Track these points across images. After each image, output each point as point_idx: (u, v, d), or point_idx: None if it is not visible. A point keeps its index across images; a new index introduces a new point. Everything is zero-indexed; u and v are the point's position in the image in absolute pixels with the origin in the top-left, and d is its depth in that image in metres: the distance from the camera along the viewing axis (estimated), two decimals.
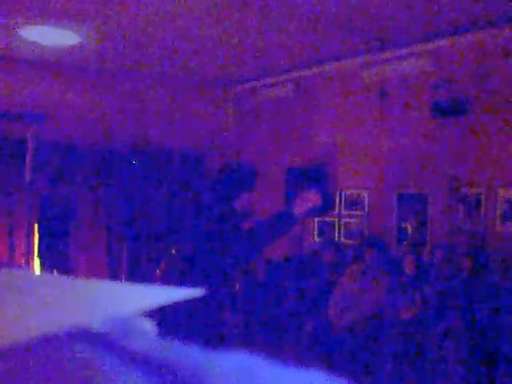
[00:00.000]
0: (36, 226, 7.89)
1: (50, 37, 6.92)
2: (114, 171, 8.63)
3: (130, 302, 0.42)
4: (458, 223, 6.64)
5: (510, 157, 6.34)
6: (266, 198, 8.85)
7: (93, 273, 8.31)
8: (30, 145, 7.24)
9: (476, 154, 6.62)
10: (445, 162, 6.83)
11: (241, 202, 3.46)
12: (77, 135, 8.34)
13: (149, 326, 0.43)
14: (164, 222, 8.97)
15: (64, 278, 0.47)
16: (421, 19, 6.31)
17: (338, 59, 7.88)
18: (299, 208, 3.42)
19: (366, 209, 7.73)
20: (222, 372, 0.38)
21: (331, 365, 5.98)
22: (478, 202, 6.56)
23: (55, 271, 7.82)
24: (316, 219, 8.22)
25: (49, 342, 0.35)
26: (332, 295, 6.52)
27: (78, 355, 0.36)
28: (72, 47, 7.35)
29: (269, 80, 8.92)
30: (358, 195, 7.83)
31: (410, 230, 7.24)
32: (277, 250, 7.90)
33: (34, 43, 7.14)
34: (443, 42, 6.93)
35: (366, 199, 7.74)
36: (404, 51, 7.27)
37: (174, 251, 7.67)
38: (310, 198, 3.48)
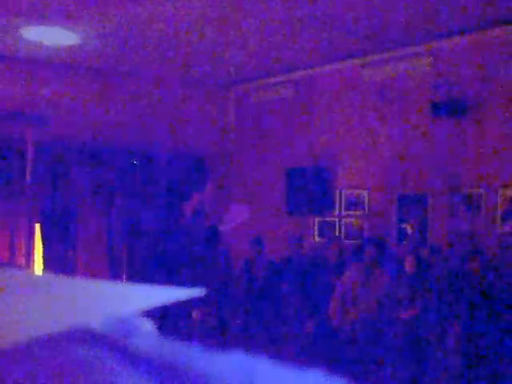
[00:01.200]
0: (37, 226, 7.90)
1: (50, 37, 6.92)
2: (114, 171, 8.63)
3: (130, 302, 0.42)
4: (458, 223, 6.64)
5: (510, 157, 6.34)
6: (266, 198, 8.85)
7: (93, 273, 8.31)
8: (31, 145, 7.25)
9: (476, 154, 6.62)
10: (445, 162, 6.83)
11: (191, 203, 3.33)
12: (77, 135, 8.34)
13: (149, 326, 0.43)
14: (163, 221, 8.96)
15: (64, 278, 0.47)
16: (421, 19, 6.31)
17: (338, 59, 7.88)
18: (226, 224, 3.41)
19: (367, 209, 7.73)
20: (223, 372, 0.38)
21: (331, 365, 5.97)
22: (478, 202, 6.56)
23: (55, 271, 7.82)
24: (316, 219, 8.22)
25: (49, 341, 0.35)
26: (332, 295, 6.52)
27: (78, 355, 0.36)
28: (72, 47, 7.35)
29: (269, 80, 8.92)
30: (358, 195, 7.83)
31: (410, 231, 7.24)
32: (277, 250, 7.91)
33: (34, 43, 7.14)
34: (443, 42, 6.93)
35: (366, 199, 7.74)
36: (404, 51, 7.27)
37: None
38: (238, 215, 3.47)
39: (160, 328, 0.45)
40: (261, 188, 8.91)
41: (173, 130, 9.01)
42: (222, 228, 3.44)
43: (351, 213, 7.89)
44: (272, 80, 8.88)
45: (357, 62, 7.78)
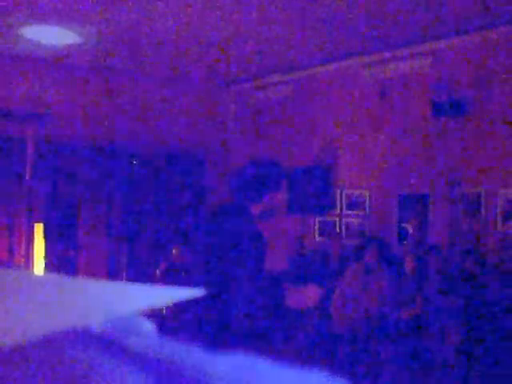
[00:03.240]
0: (36, 225, 7.90)
1: (50, 36, 6.92)
2: (115, 171, 8.64)
3: (130, 301, 0.42)
4: (459, 223, 6.64)
5: (510, 157, 6.34)
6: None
7: (93, 273, 8.31)
8: (30, 144, 7.25)
9: (476, 154, 6.62)
10: (445, 162, 6.83)
11: (262, 204, 3.19)
12: (77, 135, 8.34)
13: (149, 326, 0.43)
14: (163, 221, 8.97)
15: (64, 278, 0.47)
16: (421, 19, 6.31)
17: (338, 59, 7.88)
18: (298, 303, 3.28)
19: (367, 209, 7.73)
20: (223, 372, 0.38)
21: (331, 365, 5.97)
22: (478, 202, 6.56)
23: (55, 271, 7.82)
24: (317, 219, 8.23)
25: (49, 342, 0.35)
26: (333, 295, 6.52)
27: (78, 355, 0.36)
28: (72, 46, 7.35)
29: (269, 80, 8.92)
30: (359, 195, 7.83)
31: (410, 230, 7.24)
32: (278, 250, 7.90)
33: (35, 42, 7.14)
34: (443, 42, 6.93)
35: (367, 199, 7.74)
36: (404, 51, 7.27)
37: (174, 252, 7.68)
38: (312, 297, 3.29)
39: (160, 328, 0.45)
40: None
41: (172, 130, 9.02)
42: (291, 304, 3.32)
43: (352, 212, 7.89)
44: (272, 80, 8.88)
45: (357, 61, 7.78)
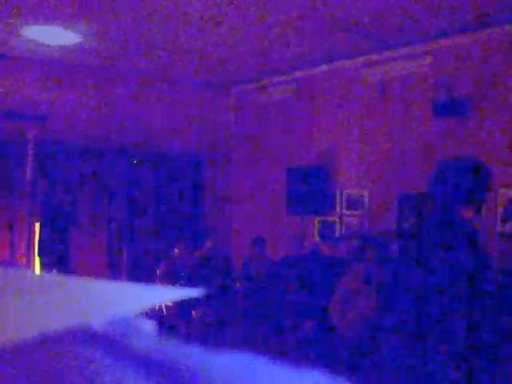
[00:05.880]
0: (37, 225, 7.90)
1: (51, 36, 6.92)
2: (115, 171, 8.64)
3: (130, 301, 0.42)
4: None
5: (510, 157, 6.34)
6: (266, 198, 8.86)
7: (93, 273, 8.31)
8: (31, 145, 7.25)
9: (476, 155, 6.61)
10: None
11: (472, 209, 2.73)
12: (77, 135, 8.34)
13: (149, 326, 0.43)
14: (163, 221, 8.97)
15: (64, 278, 0.47)
16: (421, 19, 6.31)
17: (338, 59, 7.88)
18: None
19: (367, 209, 7.73)
20: (222, 372, 0.38)
21: (331, 365, 5.98)
22: None
23: (55, 271, 7.82)
24: (317, 219, 8.22)
25: (49, 341, 0.35)
26: (333, 295, 6.52)
27: (78, 355, 0.36)
28: (73, 47, 7.35)
29: (269, 80, 8.92)
30: (359, 195, 7.83)
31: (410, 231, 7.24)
32: (278, 250, 7.91)
33: (35, 42, 7.14)
34: (443, 42, 6.93)
35: (367, 199, 7.74)
36: (404, 51, 7.27)
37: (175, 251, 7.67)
38: None
39: (160, 328, 0.45)
40: (261, 188, 8.91)
41: (172, 130, 9.02)
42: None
43: (351, 212, 7.89)
44: (272, 80, 8.88)
45: (357, 61, 7.78)
